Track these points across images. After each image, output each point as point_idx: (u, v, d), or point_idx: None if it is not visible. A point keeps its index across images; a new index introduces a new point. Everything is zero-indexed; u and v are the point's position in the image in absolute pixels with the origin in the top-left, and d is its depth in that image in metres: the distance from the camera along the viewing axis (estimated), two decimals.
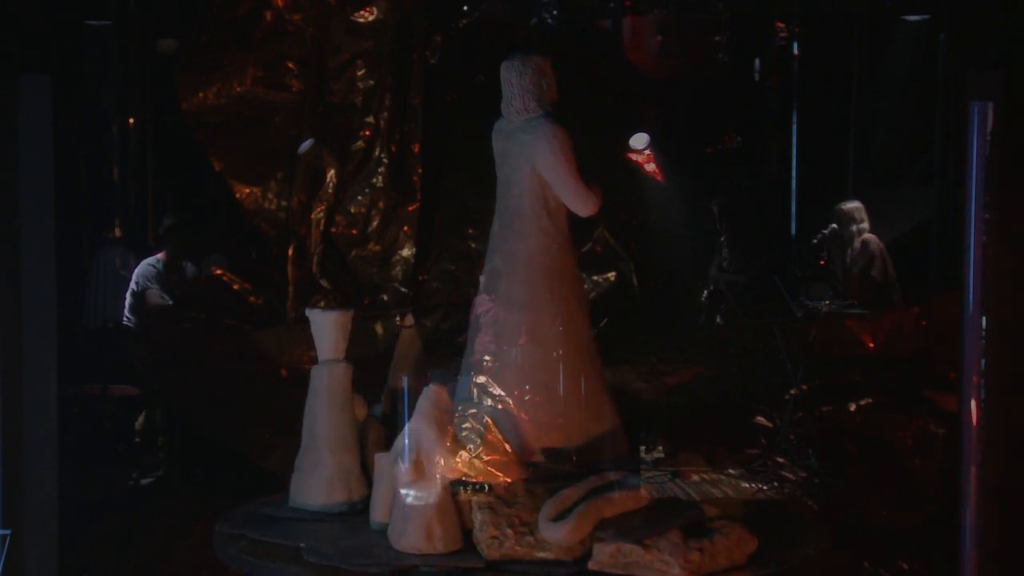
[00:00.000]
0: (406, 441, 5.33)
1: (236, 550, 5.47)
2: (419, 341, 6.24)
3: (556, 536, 4.95)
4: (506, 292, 5.82)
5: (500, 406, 5.67)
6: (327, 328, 5.84)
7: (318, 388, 5.84)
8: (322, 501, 5.77)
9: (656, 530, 4.94)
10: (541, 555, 4.99)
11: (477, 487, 5.28)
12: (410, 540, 5.16)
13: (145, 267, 9.72)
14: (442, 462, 5.22)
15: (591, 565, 4.90)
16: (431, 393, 5.30)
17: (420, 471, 5.21)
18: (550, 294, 5.77)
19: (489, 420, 5.63)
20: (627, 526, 4.98)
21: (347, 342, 5.88)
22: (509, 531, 5.02)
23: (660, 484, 5.73)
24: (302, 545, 5.35)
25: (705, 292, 9.76)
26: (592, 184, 5.80)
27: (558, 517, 5.00)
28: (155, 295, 9.57)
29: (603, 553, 4.90)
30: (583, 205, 5.77)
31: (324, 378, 5.85)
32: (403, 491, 5.20)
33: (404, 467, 5.22)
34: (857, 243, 9.69)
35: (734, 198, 10.53)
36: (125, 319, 9.66)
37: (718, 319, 9.51)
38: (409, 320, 6.26)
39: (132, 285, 9.72)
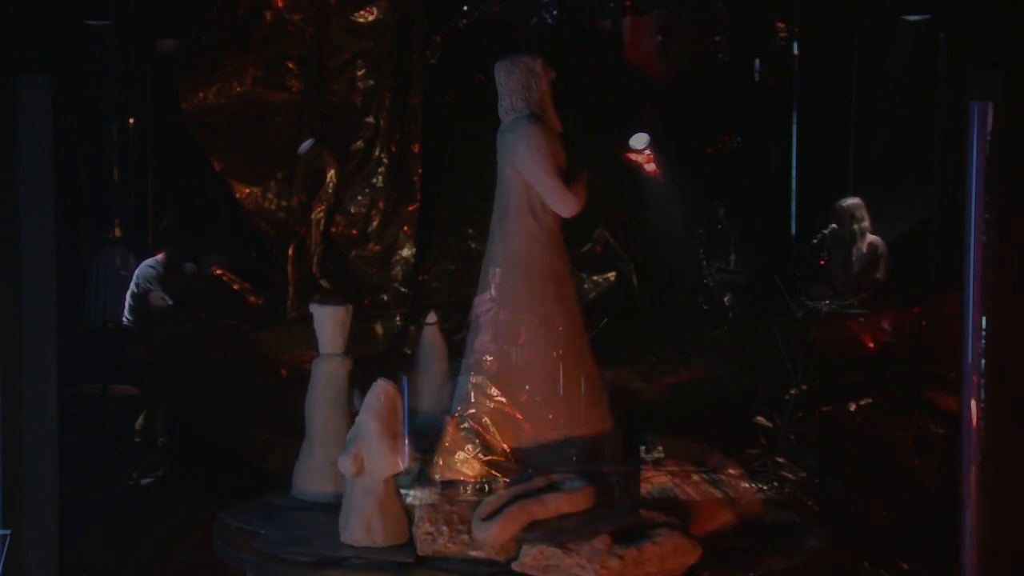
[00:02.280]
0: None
1: (215, 535, 5.58)
2: (442, 339, 6.26)
3: (483, 535, 4.95)
4: (493, 292, 5.83)
5: (493, 405, 5.68)
6: (325, 323, 5.91)
7: (314, 381, 5.93)
8: (313, 491, 5.84)
9: (584, 534, 4.87)
10: (474, 554, 4.98)
11: (476, 487, 5.30)
12: (351, 532, 5.21)
13: (145, 268, 9.71)
14: (384, 456, 5.20)
15: (515, 566, 4.88)
16: (378, 388, 5.30)
17: (359, 465, 5.21)
18: (530, 295, 5.76)
19: (487, 420, 5.64)
20: (556, 529, 4.93)
21: (345, 337, 5.92)
22: (445, 528, 5.03)
23: (660, 485, 5.73)
24: (262, 532, 5.47)
25: (727, 296, 9.71)
26: (573, 184, 5.76)
27: (490, 516, 4.99)
28: (157, 297, 9.56)
29: (527, 555, 4.87)
30: (562, 205, 5.74)
31: (319, 371, 5.91)
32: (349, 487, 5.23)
33: (344, 460, 5.25)
34: (863, 245, 9.67)
35: (738, 198, 10.53)
36: (125, 319, 9.66)
37: (731, 315, 9.50)
38: (432, 317, 6.28)
39: (132, 286, 9.71)
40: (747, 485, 5.89)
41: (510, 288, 5.79)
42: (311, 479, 5.87)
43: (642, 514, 5.09)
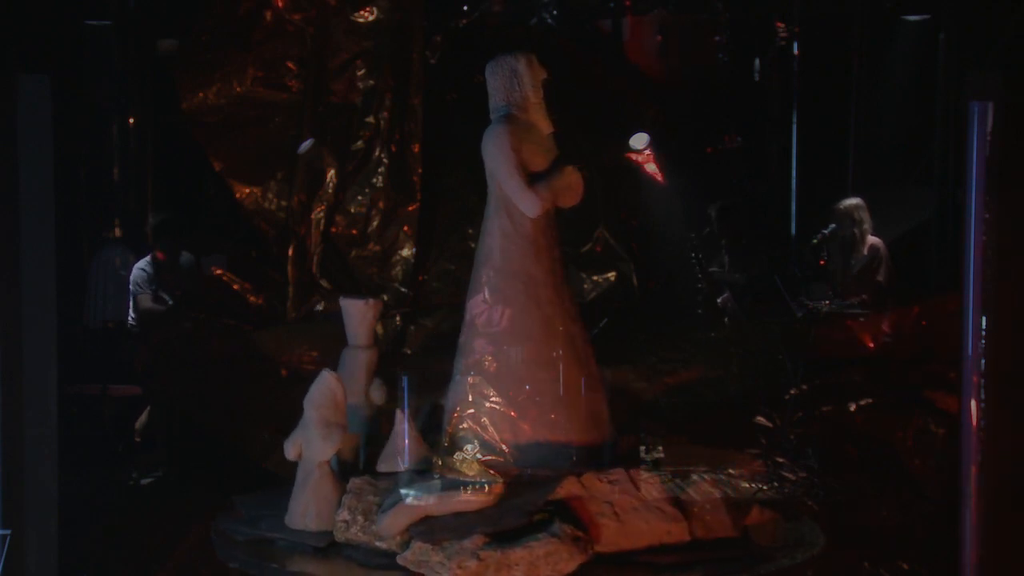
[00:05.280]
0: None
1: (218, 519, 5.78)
2: None
3: (377, 526, 5.09)
4: (474, 291, 5.83)
5: (490, 405, 5.68)
6: (347, 316, 6.09)
7: (338, 371, 6.02)
8: None
9: (460, 533, 4.87)
10: (378, 544, 5.08)
11: (476, 487, 5.31)
12: (290, 516, 5.47)
13: (136, 271, 9.70)
14: (316, 443, 5.43)
15: (399, 559, 4.95)
16: (320, 379, 5.53)
17: (298, 450, 5.50)
18: (499, 295, 5.73)
19: (486, 420, 5.64)
20: (439, 526, 4.95)
21: (368, 331, 6.06)
22: (360, 518, 5.17)
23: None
24: (242, 512, 5.76)
25: (724, 295, 9.69)
26: (539, 185, 5.71)
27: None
28: (147, 299, 9.56)
29: (410, 549, 4.94)
30: (523, 204, 5.71)
31: (342, 362, 6.08)
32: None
33: (286, 445, 5.56)
34: (864, 247, 9.68)
35: (733, 201, 10.51)
36: (131, 319, 9.67)
37: (726, 320, 9.49)
38: None
39: (131, 288, 9.73)
40: (747, 485, 5.83)
41: (484, 288, 5.78)
42: (381, 462, 5.95)
43: (537, 518, 4.99)
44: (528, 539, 4.82)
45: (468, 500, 5.07)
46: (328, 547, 5.22)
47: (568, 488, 5.17)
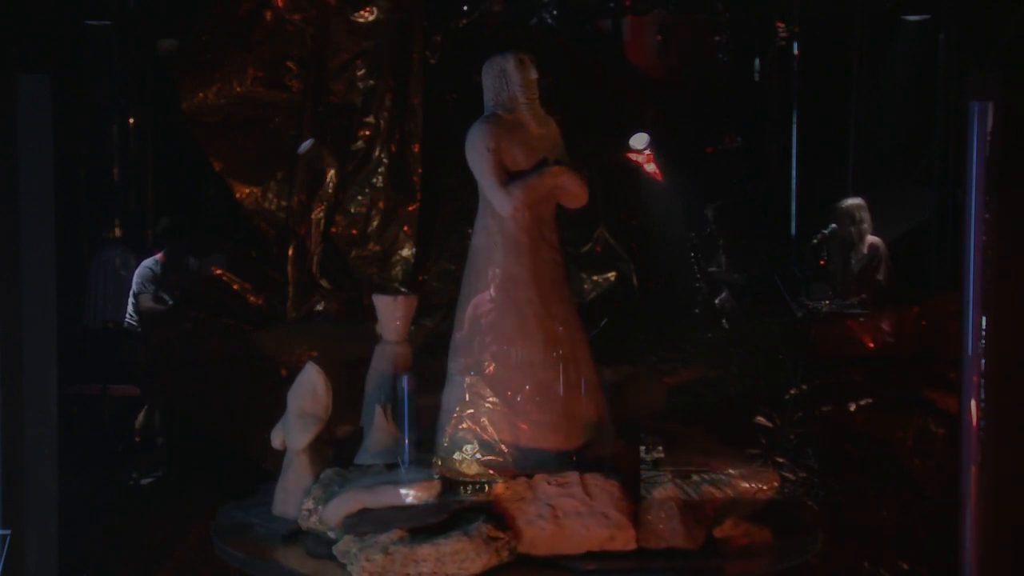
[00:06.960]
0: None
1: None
2: None
3: (323, 516, 5.16)
4: (464, 290, 5.82)
5: (487, 405, 5.67)
6: (377, 312, 6.07)
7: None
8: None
9: (382, 527, 4.90)
10: (331, 534, 5.12)
11: (476, 487, 5.30)
12: (275, 504, 5.55)
13: (143, 269, 9.72)
14: (294, 432, 5.51)
15: (334, 549, 4.99)
16: (304, 371, 5.61)
17: (281, 440, 5.58)
18: (481, 295, 5.72)
19: (486, 420, 5.63)
20: (369, 519, 4.99)
21: (397, 326, 5.99)
22: (320, 507, 5.21)
23: (659, 484, 5.70)
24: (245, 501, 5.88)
25: (721, 295, 9.70)
26: (512, 184, 5.69)
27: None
28: (148, 299, 9.57)
29: (342, 540, 4.99)
30: (496, 203, 5.66)
31: (373, 356, 6.06)
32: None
33: (273, 437, 5.62)
34: (863, 246, 9.68)
35: (730, 201, 10.51)
36: (128, 316, 9.68)
37: (724, 322, 9.49)
38: None
39: (133, 286, 9.74)
40: (747, 485, 5.81)
41: (467, 287, 5.78)
42: (359, 455, 5.99)
43: (459, 514, 4.96)
44: (440, 537, 4.83)
45: (401, 494, 5.07)
46: (292, 534, 5.29)
47: (513, 488, 5.13)
